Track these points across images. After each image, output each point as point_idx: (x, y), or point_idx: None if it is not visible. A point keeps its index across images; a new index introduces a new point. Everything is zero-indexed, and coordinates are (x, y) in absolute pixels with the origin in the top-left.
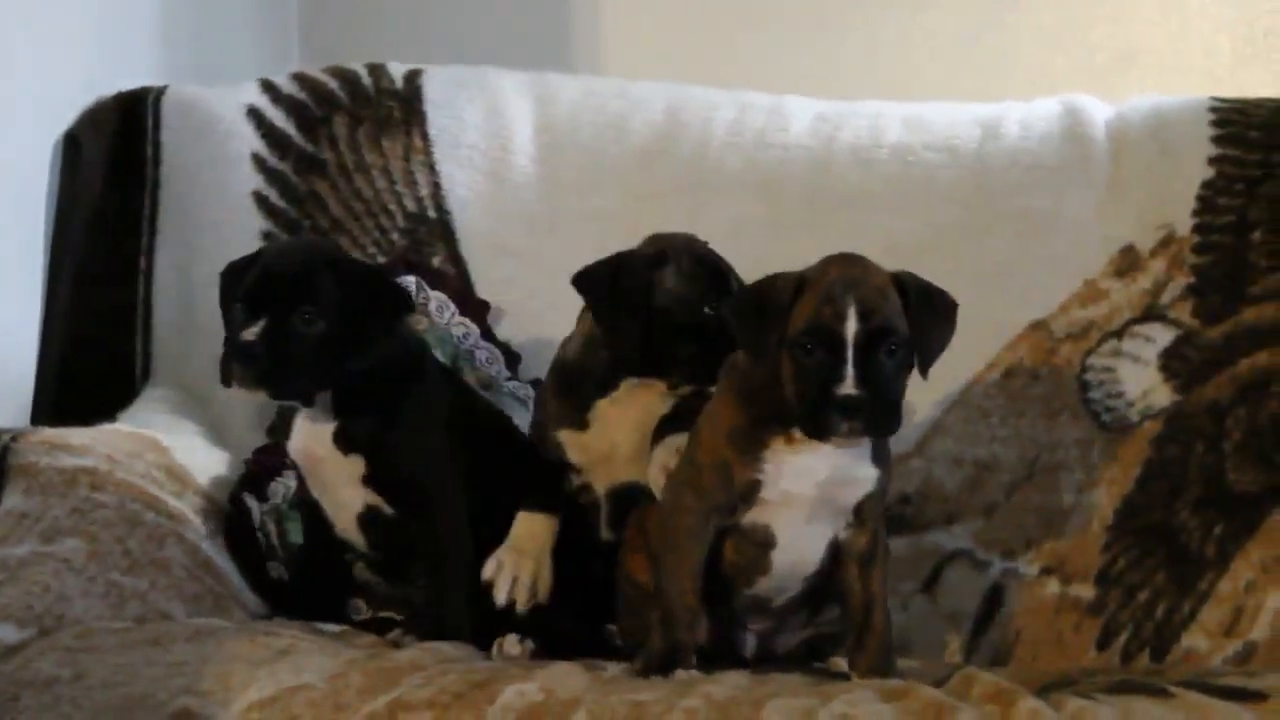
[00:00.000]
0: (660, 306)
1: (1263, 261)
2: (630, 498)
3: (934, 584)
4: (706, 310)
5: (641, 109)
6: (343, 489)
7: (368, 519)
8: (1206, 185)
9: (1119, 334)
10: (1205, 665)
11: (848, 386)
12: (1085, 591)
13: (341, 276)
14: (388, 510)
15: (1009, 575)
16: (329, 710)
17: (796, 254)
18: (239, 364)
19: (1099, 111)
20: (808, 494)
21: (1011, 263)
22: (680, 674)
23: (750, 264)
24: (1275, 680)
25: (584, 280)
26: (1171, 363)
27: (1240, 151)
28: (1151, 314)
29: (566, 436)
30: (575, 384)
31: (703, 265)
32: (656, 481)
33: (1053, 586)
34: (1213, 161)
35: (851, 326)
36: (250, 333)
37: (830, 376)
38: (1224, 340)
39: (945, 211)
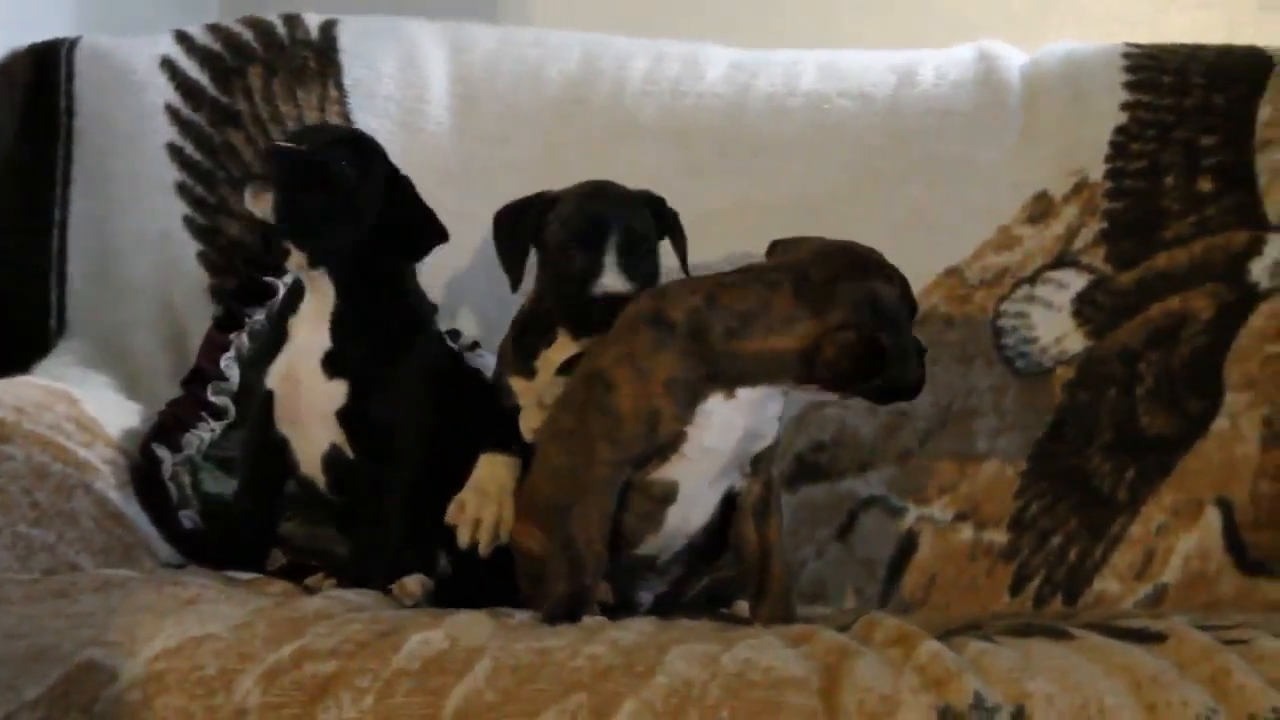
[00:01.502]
0: (544, 252)
1: (1175, 206)
2: None
3: (849, 531)
4: (573, 253)
5: (557, 58)
6: (313, 423)
7: (330, 459)
8: (1119, 131)
9: (1032, 280)
10: (1117, 608)
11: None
12: (998, 537)
13: (393, 169)
14: (349, 453)
15: (923, 521)
16: (234, 659)
17: (711, 201)
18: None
19: (1013, 58)
20: (726, 449)
21: (925, 210)
22: (586, 620)
23: None
24: (1176, 623)
25: (496, 218)
26: (1084, 308)
27: (1153, 97)
28: (1064, 260)
29: (517, 384)
30: (526, 332)
31: (582, 213)
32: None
33: (966, 532)
34: (1125, 107)
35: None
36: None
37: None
38: (1136, 285)
39: (859, 159)
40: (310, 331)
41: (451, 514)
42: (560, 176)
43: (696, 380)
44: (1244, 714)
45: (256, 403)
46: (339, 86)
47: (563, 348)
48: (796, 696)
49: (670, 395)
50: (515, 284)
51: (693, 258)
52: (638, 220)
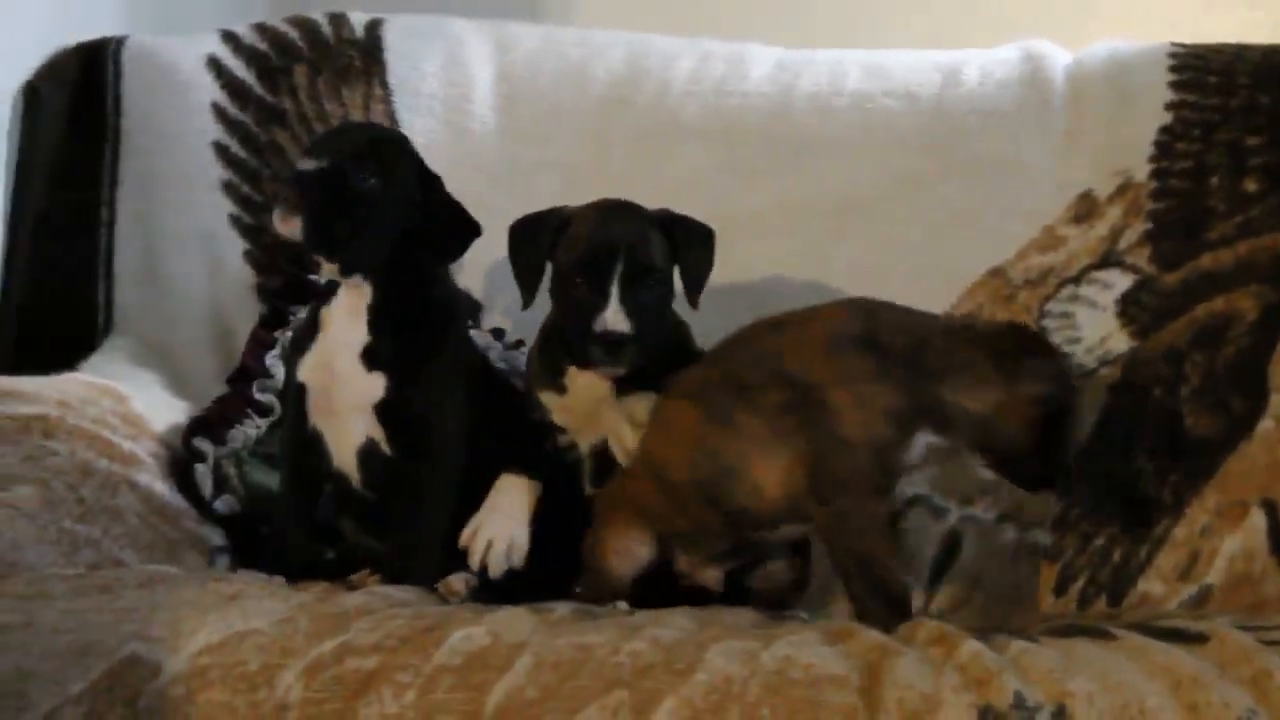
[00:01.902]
0: (555, 272)
1: (1220, 207)
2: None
3: (892, 530)
4: (579, 281)
5: (601, 57)
6: (349, 414)
7: (366, 453)
8: (1164, 131)
9: (1077, 280)
10: (1161, 609)
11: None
12: (1042, 538)
13: (421, 168)
14: (385, 448)
15: (966, 522)
16: (276, 654)
17: (755, 201)
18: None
19: (1058, 58)
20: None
21: (970, 209)
22: (626, 616)
23: (710, 210)
24: (1219, 623)
25: (511, 231)
26: (1129, 309)
27: (1198, 97)
28: (1109, 260)
29: (548, 399)
30: (552, 346)
31: (589, 240)
32: (623, 441)
33: (1010, 533)
34: (1170, 107)
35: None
36: (307, 164)
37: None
38: (1181, 286)
39: (903, 158)
40: (346, 325)
41: (465, 537)
42: (604, 175)
43: (911, 412)
44: None
45: (290, 395)
46: (384, 85)
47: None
48: (837, 694)
49: (892, 425)
50: (529, 301)
51: (737, 257)
52: (647, 248)
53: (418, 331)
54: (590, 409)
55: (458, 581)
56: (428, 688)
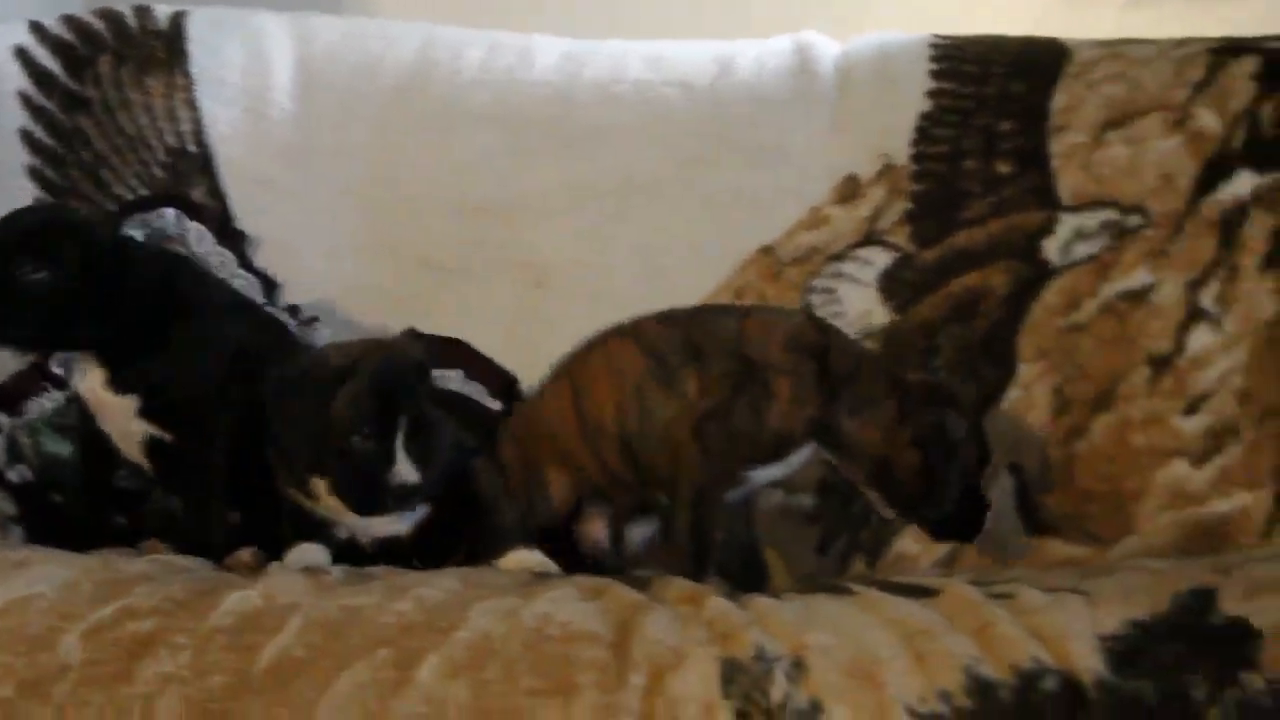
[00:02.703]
0: (333, 427)
1: (974, 188)
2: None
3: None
4: (356, 439)
5: (396, 48)
6: (124, 424)
7: (150, 447)
8: (924, 117)
9: (841, 258)
10: (915, 568)
11: (405, 471)
12: (806, 501)
13: (82, 239)
14: (168, 437)
15: None
16: (57, 618)
17: (541, 183)
18: None
19: (827, 49)
20: None
21: (743, 192)
22: (396, 578)
23: (497, 193)
24: (950, 579)
25: (268, 387)
26: (889, 285)
27: (956, 85)
28: (871, 239)
29: (303, 502)
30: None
31: (372, 397)
32: None
33: (776, 497)
34: (930, 95)
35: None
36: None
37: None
38: (938, 263)
39: (682, 144)
40: (81, 360)
41: None
42: (397, 160)
43: (821, 426)
44: (1006, 663)
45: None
46: (186, 74)
47: None
48: (590, 650)
49: (806, 431)
50: (303, 457)
51: (523, 237)
52: (424, 399)
53: (150, 340)
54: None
55: (247, 554)
56: (202, 648)
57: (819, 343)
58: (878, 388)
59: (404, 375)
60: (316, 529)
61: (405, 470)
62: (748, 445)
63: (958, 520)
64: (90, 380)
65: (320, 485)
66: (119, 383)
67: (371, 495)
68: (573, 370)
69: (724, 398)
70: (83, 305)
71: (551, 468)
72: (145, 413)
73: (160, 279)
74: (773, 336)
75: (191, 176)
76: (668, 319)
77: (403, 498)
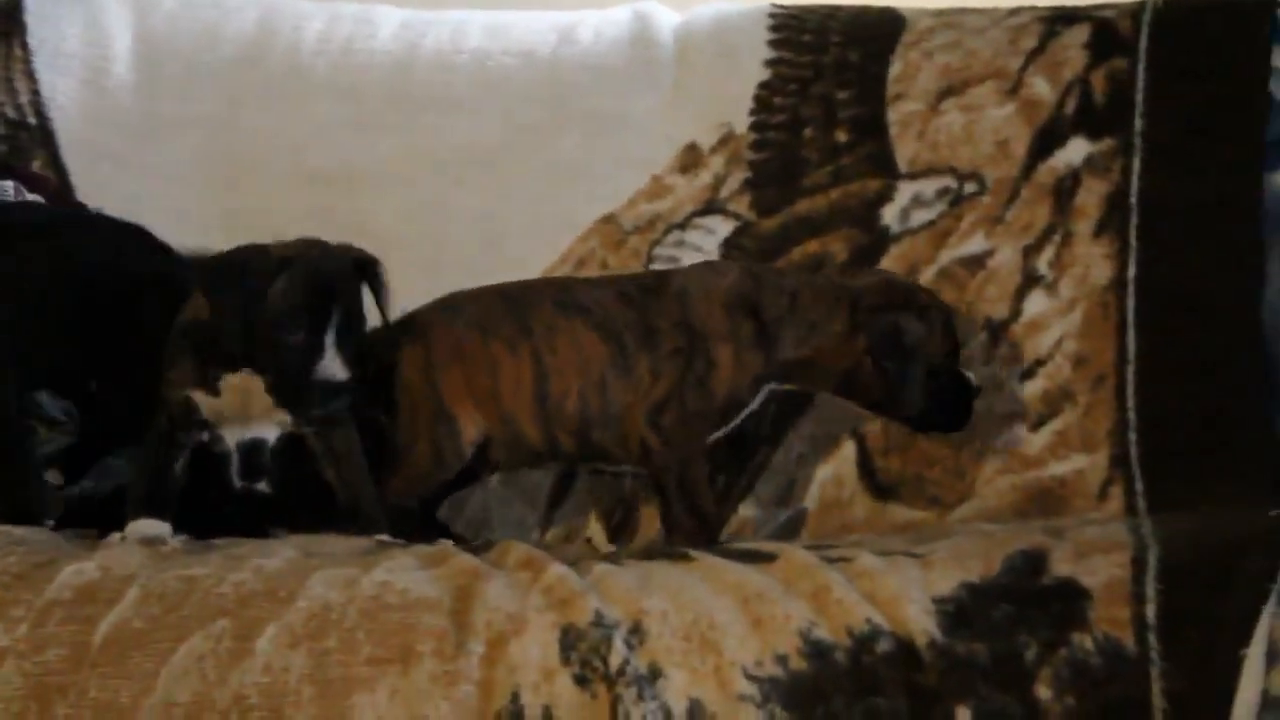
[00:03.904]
0: (266, 318)
1: (814, 156)
2: (259, 448)
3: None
4: (288, 330)
5: (235, 19)
6: None
7: None
8: (763, 86)
9: (683, 226)
10: (761, 533)
11: (332, 367)
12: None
13: None
14: None
15: None
16: None
17: (381, 153)
18: None
19: (666, 18)
20: None
21: (584, 161)
22: (234, 548)
23: (338, 162)
24: (788, 546)
25: (205, 275)
26: (731, 253)
27: (794, 54)
28: (712, 207)
29: (200, 398)
30: (204, 350)
31: (305, 291)
32: None
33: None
34: (769, 64)
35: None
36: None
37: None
38: (779, 230)
39: (522, 113)
40: None
41: None
42: (239, 131)
43: (769, 374)
44: (841, 626)
45: None
46: (24, 46)
47: (249, 379)
48: (429, 617)
49: (752, 387)
50: (236, 347)
51: (364, 205)
52: (357, 299)
53: None
54: (242, 409)
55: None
56: (40, 621)
57: (752, 295)
58: (819, 309)
59: (339, 272)
60: (185, 441)
61: (334, 367)
62: (701, 421)
63: (936, 413)
64: None
65: (230, 381)
66: None
67: (300, 388)
68: (538, 347)
69: (673, 382)
70: None
71: (463, 406)
72: None
73: None
74: (713, 299)
75: (31, 149)
76: (624, 297)
77: (329, 393)
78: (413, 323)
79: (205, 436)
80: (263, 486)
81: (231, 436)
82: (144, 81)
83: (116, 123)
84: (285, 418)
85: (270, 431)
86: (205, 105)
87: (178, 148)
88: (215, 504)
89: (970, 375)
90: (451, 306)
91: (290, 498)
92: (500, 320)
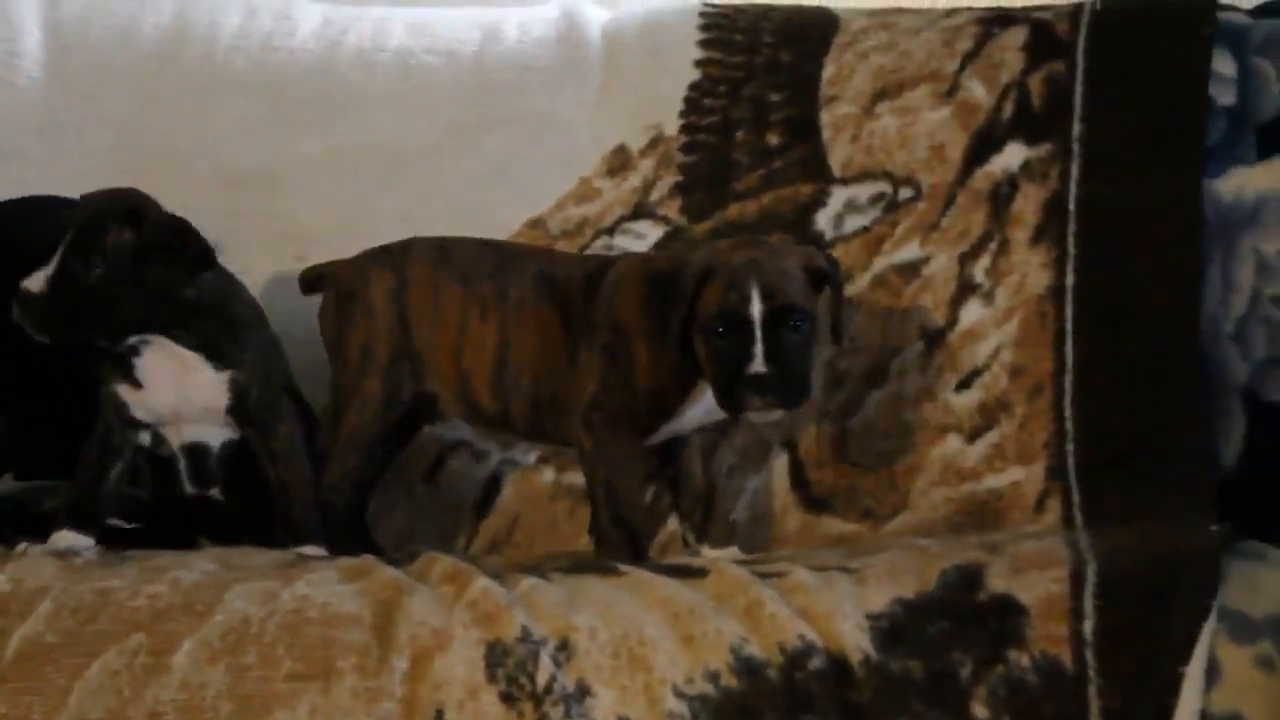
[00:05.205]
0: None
1: (745, 159)
2: (204, 453)
3: (436, 473)
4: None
5: (150, 12)
6: None
7: None
8: (693, 87)
9: (611, 231)
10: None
11: (756, 365)
12: (578, 479)
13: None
14: None
15: (506, 464)
16: None
17: (301, 153)
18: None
19: (594, 16)
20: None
21: (509, 162)
22: (153, 560)
23: (257, 162)
24: (717, 563)
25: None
26: None
27: (725, 55)
28: (641, 211)
29: (127, 393)
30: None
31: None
32: None
33: (548, 475)
34: (699, 65)
35: (756, 309)
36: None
37: (741, 356)
38: (710, 236)
39: (445, 112)
40: None
41: None
42: (155, 129)
43: (681, 370)
44: (774, 642)
45: None
46: None
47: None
48: (350, 632)
49: (675, 381)
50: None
51: (284, 208)
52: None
53: None
54: (172, 407)
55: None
56: None
57: (666, 282)
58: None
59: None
60: (121, 443)
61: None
62: (629, 422)
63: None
64: None
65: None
66: None
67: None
68: (508, 319)
69: (602, 377)
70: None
71: (430, 353)
72: None
73: None
74: (633, 292)
75: None
76: (588, 280)
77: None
78: (392, 251)
79: (147, 440)
80: (215, 494)
81: (175, 439)
82: (54, 77)
83: (25, 120)
84: (220, 415)
85: (213, 436)
86: (118, 102)
87: (89, 147)
88: (169, 512)
89: None
90: (442, 247)
91: (239, 505)
92: (483, 279)
